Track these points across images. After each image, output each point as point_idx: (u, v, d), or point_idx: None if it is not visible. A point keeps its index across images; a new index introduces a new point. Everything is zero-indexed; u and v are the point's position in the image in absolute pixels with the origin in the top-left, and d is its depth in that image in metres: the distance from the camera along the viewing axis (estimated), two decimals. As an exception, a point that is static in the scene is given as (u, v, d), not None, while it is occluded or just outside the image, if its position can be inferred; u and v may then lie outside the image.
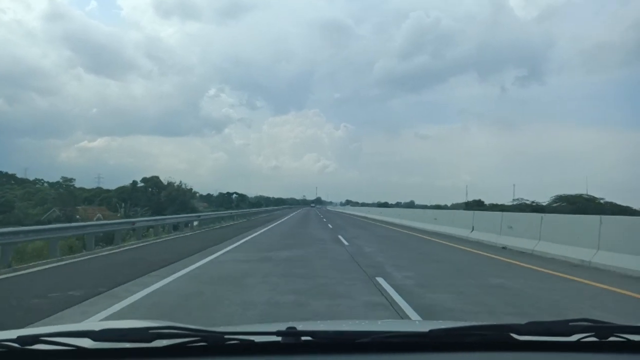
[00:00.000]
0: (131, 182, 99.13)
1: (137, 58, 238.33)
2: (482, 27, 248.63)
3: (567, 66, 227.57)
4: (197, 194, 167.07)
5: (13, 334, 1.24)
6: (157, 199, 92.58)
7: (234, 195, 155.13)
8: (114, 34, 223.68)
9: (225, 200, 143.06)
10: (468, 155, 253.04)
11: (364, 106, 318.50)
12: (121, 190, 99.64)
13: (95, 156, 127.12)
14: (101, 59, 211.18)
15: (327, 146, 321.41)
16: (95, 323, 2.04)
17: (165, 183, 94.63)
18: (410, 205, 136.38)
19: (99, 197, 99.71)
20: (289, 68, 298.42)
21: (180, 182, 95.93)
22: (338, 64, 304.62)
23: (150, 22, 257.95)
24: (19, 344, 1.21)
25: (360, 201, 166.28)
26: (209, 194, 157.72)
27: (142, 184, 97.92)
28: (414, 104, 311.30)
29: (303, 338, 1.30)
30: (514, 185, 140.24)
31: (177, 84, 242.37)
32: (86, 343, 1.23)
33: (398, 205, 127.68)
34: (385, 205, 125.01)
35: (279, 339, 1.31)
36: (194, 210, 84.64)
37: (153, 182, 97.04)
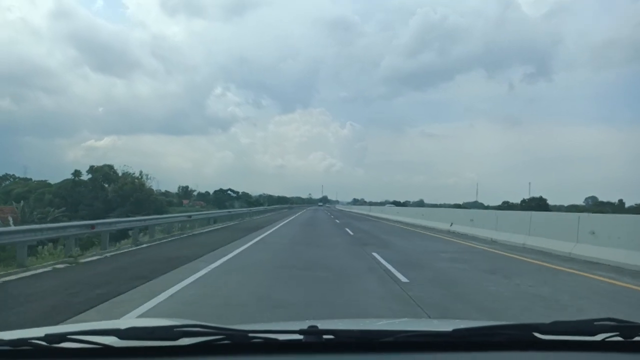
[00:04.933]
0: (73, 172, 74.20)
1: (143, 57, 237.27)
2: (489, 24, 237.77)
3: (576, 63, 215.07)
4: (195, 192, 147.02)
5: (40, 332, 1.24)
6: (104, 195, 67.89)
7: (228, 192, 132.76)
8: (120, 33, 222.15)
9: (219, 199, 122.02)
10: (475, 153, 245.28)
11: (369, 104, 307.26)
12: (61, 184, 74.96)
13: (101, 155, 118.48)
14: (107, 57, 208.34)
15: (333, 145, 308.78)
16: (121, 321, 1.96)
17: (120, 174, 69.82)
18: (420, 204, 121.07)
19: (34, 193, 74.24)
20: (294, 66, 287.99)
21: (142, 173, 70.82)
22: (344, 62, 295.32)
23: (155, 21, 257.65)
24: (46, 342, 1.20)
25: (367, 200, 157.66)
26: (207, 192, 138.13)
27: (90, 176, 73.18)
28: (420, 102, 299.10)
29: (325, 337, 1.28)
30: (529, 183, 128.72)
31: (183, 83, 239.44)
32: (112, 341, 1.22)
33: (407, 204, 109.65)
34: (399, 204, 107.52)
35: (301, 337, 1.28)
36: (159, 210, 59.89)
37: (103, 173, 72.20)
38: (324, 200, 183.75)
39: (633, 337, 1.32)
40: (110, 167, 71.31)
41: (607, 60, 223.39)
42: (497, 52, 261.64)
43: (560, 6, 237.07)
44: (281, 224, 24.59)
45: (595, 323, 1.34)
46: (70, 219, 43.76)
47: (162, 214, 33.28)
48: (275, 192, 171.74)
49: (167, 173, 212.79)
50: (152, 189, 73.24)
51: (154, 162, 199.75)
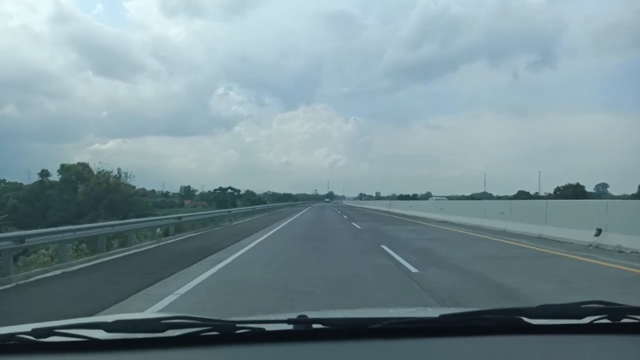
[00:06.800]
0: (39, 172, 63.61)
1: (144, 59, 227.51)
2: (491, 12, 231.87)
3: (580, 49, 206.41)
4: (197, 192, 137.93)
5: (28, 327, 1.21)
6: (74, 198, 57.31)
7: (229, 191, 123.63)
8: (121, 36, 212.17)
9: (219, 198, 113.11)
10: (481, 144, 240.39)
11: (373, 98, 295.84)
12: (31, 187, 64.50)
13: (107, 159, 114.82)
14: (109, 61, 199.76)
15: (337, 140, 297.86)
16: (108, 316, 1.51)
17: (95, 173, 59.12)
18: (427, 197, 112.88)
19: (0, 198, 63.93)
20: (296, 63, 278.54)
21: (119, 171, 60.00)
22: (345, 57, 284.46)
23: (156, 23, 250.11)
24: (33, 336, 1.18)
25: (374, 194, 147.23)
26: (208, 191, 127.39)
27: (62, 176, 62.67)
28: (424, 94, 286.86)
29: (314, 326, 1.24)
30: (539, 172, 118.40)
31: (185, 84, 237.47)
32: (99, 334, 1.19)
33: (415, 197, 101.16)
34: (406, 197, 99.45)
35: (290, 327, 1.24)
36: (141, 214, 49.23)
37: (76, 173, 61.60)
38: (330, 196, 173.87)
39: (620, 319, 1.27)
40: (85, 165, 60.41)
41: (612, 45, 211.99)
42: (501, 41, 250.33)
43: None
44: (260, 240, 13.67)
45: (582, 306, 1.29)
46: (20, 228, 33.31)
47: (146, 217, 22.88)
48: (281, 189, 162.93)
49: (173, 174, 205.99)
50: (133, 189, 62.37)
51: (159, 163, 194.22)
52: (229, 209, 25.46)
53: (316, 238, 13.62)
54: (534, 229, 13.09)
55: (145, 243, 12.93)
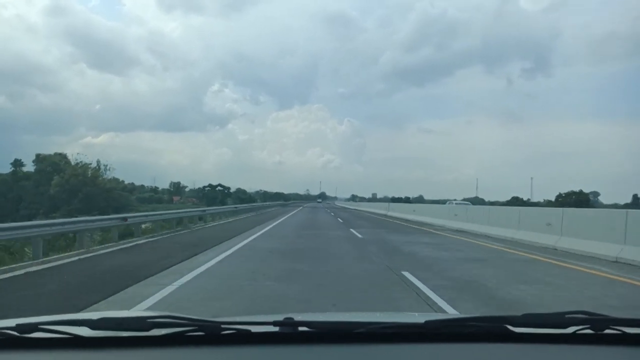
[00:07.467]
0: (12, 162, 58.98)
1: (140, 53, 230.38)
2: (488, 19, 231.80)
3: (575, 57, 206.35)
4: (186, 188, 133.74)
5: (12, 322, 1.18)
6: (48, 191, 52.91)
7: (218, 188, 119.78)
8: (117, 29, 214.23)
9: (208, 195, 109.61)
10: (474, 149, 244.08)
11: (368, 101, 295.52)
12: (4, 178, 59.91)
13: (99, 152, 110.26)
14: (104, 54, 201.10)
15: (331, 141, 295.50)
16: (94, 313, 1.59)
17: (74, 164, 54.61)
18: (420, 200, 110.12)
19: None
20: (292, 62, 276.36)
21: (99, 162, 55.54)
22: (342, 58, 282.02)
23: (152, 17, 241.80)
24: (17, 332, 1.15)
25: (366, 196, 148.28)
26: (199, 188, 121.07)
27: (37, 166, 58.09)
28: (419, 97, 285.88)
29: (300, 328, 1.23)
30: (532, 178, 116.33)
31: (180, 79, 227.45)
32: (84, 332, 1.17)
33: (407, 200, 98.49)
34: (399, 200, 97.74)
35: (276, 329, 1.23)
36: (120, 209, 45.76)
37: (52, 164, 57.11)
38: (323, 196, 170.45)
39: (603, 330, 1.26)
40: (63, 156, 56.01)
41: (607, 54, 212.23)
42: (496, 47, 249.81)
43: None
44: (227, 254, 9.73)
45: (566, 316, 1.29)
46: None
47: (127, 212, 18.97)
48: (273, 188, 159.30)
49: (165, 170, 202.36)
50: (122, 183, 57.97)
51: (152, 158, 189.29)
52: (203, 209, 21.51)
53: (305, 254, 9.77)
54: (605, 249, 9.38)
55: (68, 253, 9.09)
